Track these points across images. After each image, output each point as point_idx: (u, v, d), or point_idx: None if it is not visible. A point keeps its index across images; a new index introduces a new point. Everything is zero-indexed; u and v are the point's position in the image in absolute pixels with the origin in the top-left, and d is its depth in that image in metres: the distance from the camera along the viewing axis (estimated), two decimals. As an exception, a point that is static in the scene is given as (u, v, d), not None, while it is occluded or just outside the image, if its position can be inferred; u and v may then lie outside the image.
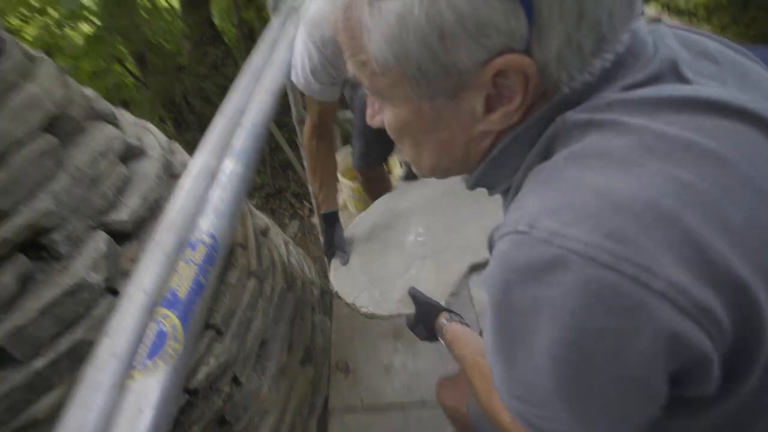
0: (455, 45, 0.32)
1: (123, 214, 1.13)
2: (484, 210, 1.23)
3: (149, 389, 0.58)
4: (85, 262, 1.01)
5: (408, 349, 1.93)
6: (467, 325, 0.93)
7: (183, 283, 0.69)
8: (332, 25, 0.37)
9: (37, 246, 1.00)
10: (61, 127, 1.09)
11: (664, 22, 0.52)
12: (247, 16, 3.79)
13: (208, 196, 0.90)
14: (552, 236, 0.29)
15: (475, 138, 0.40)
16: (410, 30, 0.32)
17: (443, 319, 0.94)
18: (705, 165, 0.29)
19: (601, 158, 0.31)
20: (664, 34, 0.37)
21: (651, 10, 5.65)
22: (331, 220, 1.31)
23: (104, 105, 1.29)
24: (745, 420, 0.34)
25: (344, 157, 2.42)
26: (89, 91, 1.32)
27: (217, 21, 4.65)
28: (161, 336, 0.63)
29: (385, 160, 1.98)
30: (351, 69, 0.40)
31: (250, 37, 4.15)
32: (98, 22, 3.36)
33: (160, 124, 4.53)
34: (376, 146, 1.63)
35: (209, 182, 0.93)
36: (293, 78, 1.20)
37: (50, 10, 3.61)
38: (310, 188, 1.70)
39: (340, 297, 1.21)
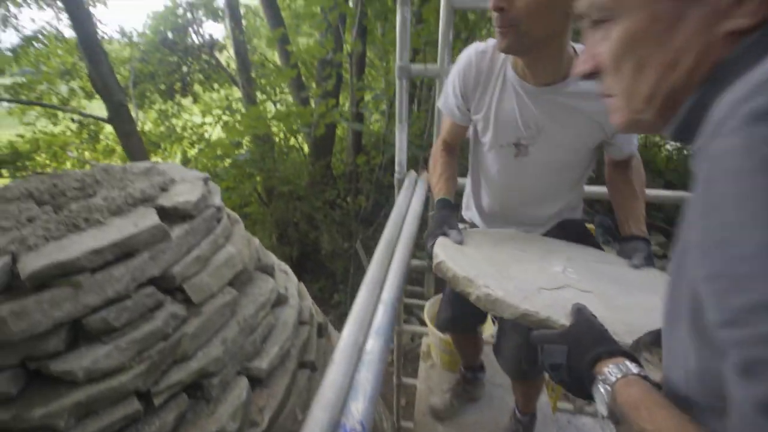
0: None
1: (264, 362, 1.24)
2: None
3: None
4: (228, 409, 1.09)
5: None
6: (656, 385, 0.51)
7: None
8: None
9: (194, 385, 1.11)
10: (239, 278, 1.30)
11: None
12: (359, 161, 4.44)
13: (356, 376, 0.96)
14: None
15: (714, 47, 0.37)
16: None
17: (614, 367, 0.54)
18: None
19: None
20: None
21: None
22: (445, 203, 1.13)
23: (268, 258, 1.53)
24: None
25: (433, 303, 2.43)
26: (256, 241, 1.59)
27: (334, 167, 5.48)
28: None
29: (475, 330, 1.92)
30: None
31: (356, 180, 4.77)
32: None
33: (267, 235, 5.12)
34: (464, 314, 1.59)
35: (356, 360, 1.01)
36: (439, 102, 1.26)
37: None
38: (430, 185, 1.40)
39: (443, 269, 0.91)
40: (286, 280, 1.62)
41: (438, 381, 2.02)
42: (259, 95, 5.87)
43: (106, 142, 6.84)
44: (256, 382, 1.25)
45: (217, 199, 1.34)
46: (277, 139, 4.86)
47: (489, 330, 2.57)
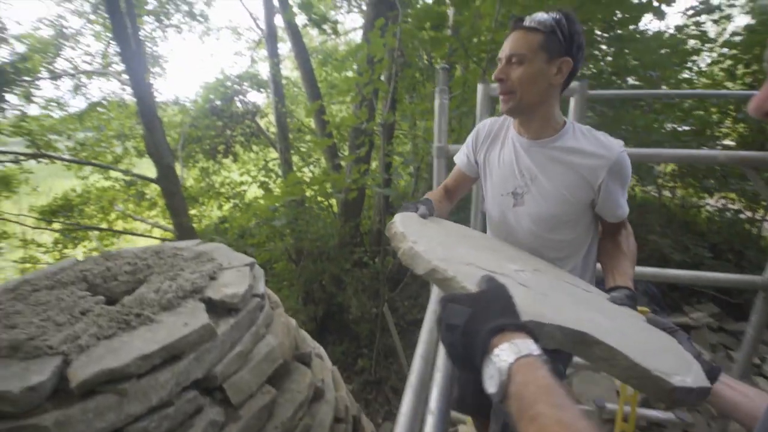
0: None
1: (298, 469, 1.13)
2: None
3: None
4: None
5: None
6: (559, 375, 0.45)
7: None
8: None
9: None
10: (278, 372, 1.23)
11: None
12: (388, 221, 4.45)
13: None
14: None
15: None
16: None
17: (517, 344, 0.47)
18: None
19: None
20: None
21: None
22: (425, 200, 1.17)
23: (305, 344, 1.46)
24: None
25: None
26: (293, 322, 1.53)
27: (362, 225, 5.52)
28: None
29: (488, 414, 1.79)
30: None
31: (385, 242, 4.74)
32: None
33: (294, 294, 5.06)
34: (473, 393, 1.51)
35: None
36: (455, 157, 1.38)
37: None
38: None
39: (399, 238, 0.83)
40: (322, 367, 1.53)
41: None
42: (295, 159, 6.12)
43: (150, 197, 7.19)
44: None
45: (261, 287, 1.32)
46: (309, 203, 4.97)
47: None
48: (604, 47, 3.93)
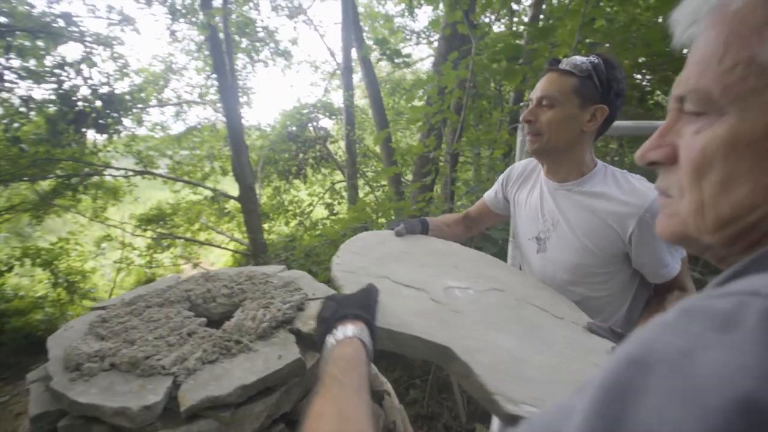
0: None
1: None
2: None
3: None
4: None
5: None
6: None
7: None
8: (720, 18, 0.31)
9: None
10: None
11: None
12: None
13: None
14: None
15: None
16: None
17: (348, 328, 0.59)
18: None
19: None
20: None
21: None
22: (426, 225, 1.27)
23: (377, 380, 1.42)
24: None
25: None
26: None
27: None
28: None
29: None
30: (704, 75, 0.32)
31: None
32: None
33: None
34: None
35: None
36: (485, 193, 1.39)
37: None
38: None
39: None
40: (391, 404, 1.48)
41: None
42: (360, 183, 6.28)
43: (227, 211, 7.79)
44: None
45: (343, 320, 1.31)
46: (372, 228, 5.04)
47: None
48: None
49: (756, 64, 0.29)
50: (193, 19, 5.96)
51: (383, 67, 9.35)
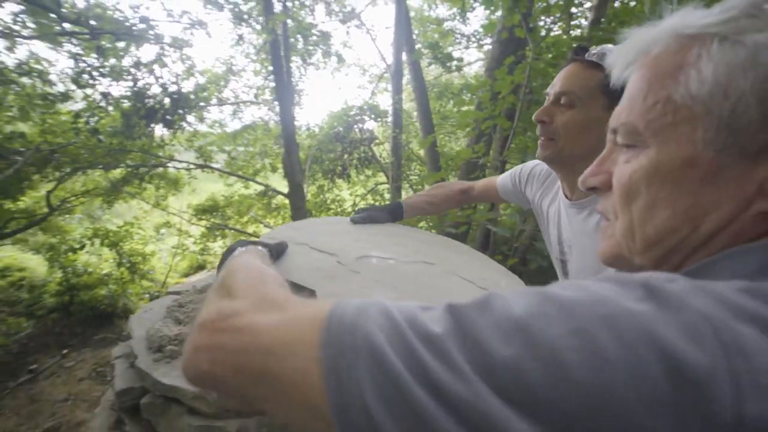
0: None
1: None
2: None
3: None
4: None
5: None
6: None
7: None
8: (643, 70, 0.35)
9: None
10: None
11: None
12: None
13: None
14: None
15: (743, 220, 0.30)
16: (757, 65, 0.28)
17: (245, 246, 0.64)
18: None
19: None
20: None
21: None
22: (397, 211, 1.22)
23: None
24: None
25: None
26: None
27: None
28: None
29: None
30: (638, 108, 0.35)
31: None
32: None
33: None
34: None
35: None
36: (500, 177, 1.28)
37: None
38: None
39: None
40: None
41: None
42: (404, 185, 6.26)
43: (274, 206, 8.07)
44: None
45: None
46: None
47: None
48: None
49: (672, 102, 0.32)
50: (255, 24, 6.23)
51: (431, 71, 9.28)
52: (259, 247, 0.65)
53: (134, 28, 4.43)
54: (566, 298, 0.23)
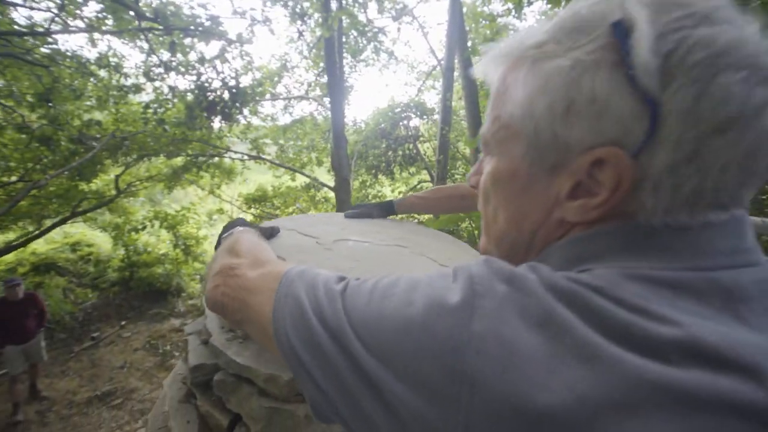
0: (575, 119, 0.31)
1: None
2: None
3: None
4: None
5: None
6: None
7: None
8: (493, 85, 0.38)
9: None
10: None
11: None
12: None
13: None
14: None
15: (549, 224, 0.36)
16: (548, 92, 0.32)
17: (237, 229, 0.69)
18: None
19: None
20: None
21: None
22: (389, 207, 1.30)
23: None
24: None
25: None
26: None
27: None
28: None
29: None
30: (487, 122, 0.39)
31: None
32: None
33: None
34: None
35: None
36: None
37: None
38: None
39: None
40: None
41: None
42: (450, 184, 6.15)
43: (318, 199, 8.24)
44: None
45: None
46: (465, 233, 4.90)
47: None
48: None
49: (502, 120, 0.36)
50: (310, 21, 6.36)
51: (480, 70, 9.03)
52: (254, 229, 0.76)
53: (204, 25, 4.68)
54: (413, 280, 0.33)
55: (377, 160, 7.51)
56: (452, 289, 0.29)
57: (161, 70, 5.67)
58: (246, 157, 7.19)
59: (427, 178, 7.34)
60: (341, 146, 4.93)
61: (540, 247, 0.37)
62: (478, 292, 0.29)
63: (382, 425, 0.29)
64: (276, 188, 7.88)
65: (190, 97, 5.81)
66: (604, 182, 0.31)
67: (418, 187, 7.87)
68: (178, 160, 7.48)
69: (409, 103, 7.99)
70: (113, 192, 7.72)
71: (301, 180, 7.89)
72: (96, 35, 5.53)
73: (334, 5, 5.60)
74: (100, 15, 5.08)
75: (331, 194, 6.75)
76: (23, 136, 5.89)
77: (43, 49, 5.33)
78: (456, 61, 5.74)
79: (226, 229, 0.72)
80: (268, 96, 7.72)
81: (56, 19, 4.74)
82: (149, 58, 5.73)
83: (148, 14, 4.53)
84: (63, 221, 7.16)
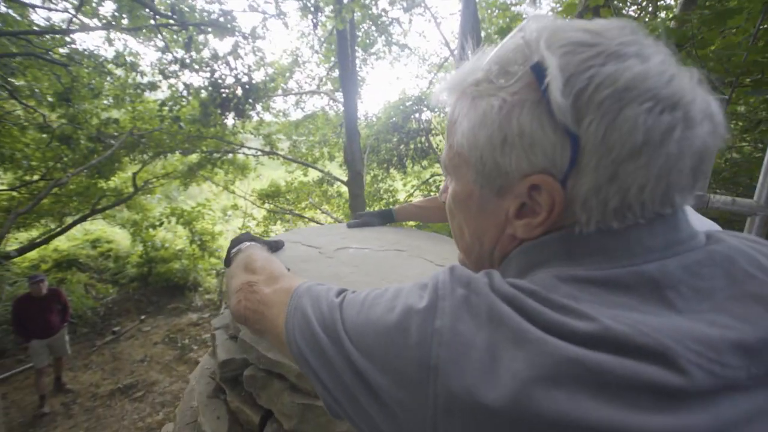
0: (511, 150, 0.35)
1: None
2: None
3: None
4: None
5: None
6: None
7: None
8: (448, 114, 0.42)
9: None
10: None
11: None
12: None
13: None
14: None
15: (503, 239, 0.40)
16: (486, 126, 0.36)
17: (245, 244, 0.77)
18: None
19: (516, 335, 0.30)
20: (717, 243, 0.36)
21: None
22: (388, 214, 1.37)
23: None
24: None
25: None
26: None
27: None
28: None
29: None
30: (445, 148, 0.43)
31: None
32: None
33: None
34: None
35: None
36: None
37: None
38: None
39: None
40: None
41: None
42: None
43: (330, 194, 8.22)
44: None
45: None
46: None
47: None
48: None
49: (453, 149, 0.41)
50: (321, 16, 6.29)
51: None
52: (260, 244, 0.81)
53: (219, 20, 4.66)
54: (397, 290, 0.37)
55: (389, 154, 7.44)
56: (422, 296, 0.34)
57: (176, 67, 5.69)
58: (260, 153, 7.20)
59: (440, 171, 7.25)
60: (354, 140, 4.88)
61: (499, 258, 0.42)
62: (440, 295, 0.33)
63: (376, 416, 0.33)
64: (289, 183, 7.89)
65: (204, 94, 5.82)
66: (542, 204, 0.35)
67: (431, 180, 7.78)
68: (193, 157, 7.53)
69: (421, 96, 7.87)
70: (131, 189, 7.83)
71: (313, 175, 7.87)
72: (112, 34, 5.56)
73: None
74: (116, 14, 5.11)
75: (344, 188, 6.72)
76: (44, 135, 5.99)
77: (61, 50, 5.39)
78: (469, 52, 5.58)
79: (233, 243, 0.78)
80: (279, 92, 7.70)
81: (74, 20, 4.78)
82: (164, 56, 5.75)
83: (163, 11, 4.52)
84: (83, 218, 7.29)
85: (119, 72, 6.17)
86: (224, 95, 5.63)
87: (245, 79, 5.64)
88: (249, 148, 7.30)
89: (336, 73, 7.64)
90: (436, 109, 7.70)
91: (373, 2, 6.93)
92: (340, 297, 0.41)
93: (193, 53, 5.56)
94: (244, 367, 1.01)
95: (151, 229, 7.84)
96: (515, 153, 0.35)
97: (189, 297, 7.73)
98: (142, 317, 6.97)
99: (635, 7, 4.24)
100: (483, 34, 6.09)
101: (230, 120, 6.39)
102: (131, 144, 6.50)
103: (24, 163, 6.04)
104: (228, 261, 0.76)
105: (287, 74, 7.71)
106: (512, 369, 0.27)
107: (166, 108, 5.99)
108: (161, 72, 5.64)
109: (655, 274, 0.31)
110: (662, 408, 0.25)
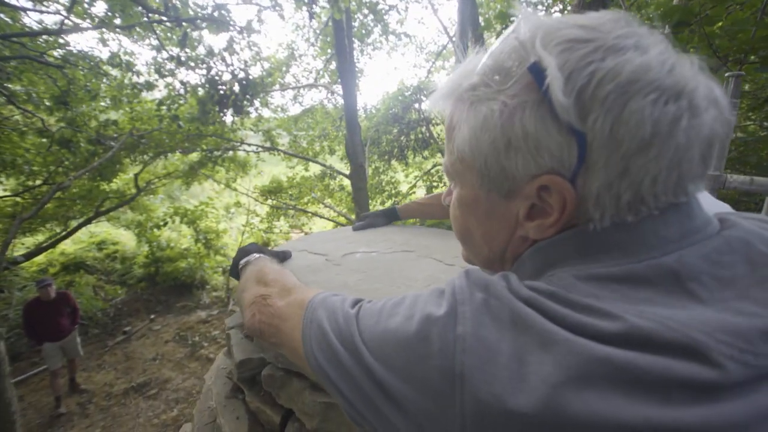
0: (516, 153, 0.34)
1: None
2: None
3: None
4: None
5: None
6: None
7: None
8: (446, 120, 0.41)
9: None
10: None
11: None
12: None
13: None
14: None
15: (515, 241, 0.40)
16: (488, 131, 0.35)
17: (254, 256, 0.75)
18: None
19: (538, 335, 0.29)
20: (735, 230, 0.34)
21: None
22: (392, 213, 1.36)
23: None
24: None
25: None
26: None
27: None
28: None
29: None
30: (446, 154, 0.42)
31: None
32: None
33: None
34: None
35: None
36: None
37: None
38: None
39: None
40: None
41: None
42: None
43: (333, 188, 8.18)
44: None
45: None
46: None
47: None
48: None
49: (455, 154, 0.40)
50: (315, 7, 6.18)
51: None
52: (268, 255, 0.80)
53: (213, 14, 4.57)
54: (414, 297, 0.37)
55: (390, 146, 7.37)
56: (441, 303, 0.34)
57: (172, 66, 5.61)
58: (260, 150, 7.16)
59: (442, 161, 7.20)
60: (355, 132, 4.82)
61: (511, 259, 0.41)
62: (459, 300, 0.33)
63: (398, 423, 0.33)
64: (290, 179, 7.85)
65: (201, 92, 5.76)
66: (553, 204, 0.34)
67: (433, 171, 7.73)
68: (194, 156, 7.49)
69: (420, 86, 7.77)
70: (133, 190, 7.81)
71: (315, 169, 7.83)
72: (106, 34, 5.47)
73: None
74: (108, 13, 5.02)
75: (346, 182, 6.68)
76: (44, 140, 5.95)
77: (55, 52, 5.31)
78: (468, 39, 5.49)
79: (240, 254, 0.77)
80: (277, 86, 7.61)
81: (66, 21, 4.70)
82: (159, 54, 5.67)
83: (155, 8, 4.44)
84: (88, 221, 7.28)
85: (115, 73, 6.09)
86: (222, 92, 5.55)
87: (242, 74, 5.56)
88: (249, 144, 7.24)
89: (333, 66, 7.54)
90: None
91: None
92: (355, 308, 0.41)
93: (188, 50, 5.47)
94: (262, 366, 0.99)
95: (155, 230, 7.84)
96: (521, 155, 0.34)
97: (197, 295, 7.76)
98: (152, 316, 7.01)
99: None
100: (481, 20, 5.97)
101: (229, 117, 6.33)
102: (131, 145, 6.45)
103: (25, 169, 6.01)
104: (235, 272, 0.75)
105: (284, 68, 7.61)
106: (541, 373, 0.27)
107: (164, 107, 5.92)
108: (157, 71, 5.57)
109: (674, 266, 0.31)
110: (697, 401, 0.24)
